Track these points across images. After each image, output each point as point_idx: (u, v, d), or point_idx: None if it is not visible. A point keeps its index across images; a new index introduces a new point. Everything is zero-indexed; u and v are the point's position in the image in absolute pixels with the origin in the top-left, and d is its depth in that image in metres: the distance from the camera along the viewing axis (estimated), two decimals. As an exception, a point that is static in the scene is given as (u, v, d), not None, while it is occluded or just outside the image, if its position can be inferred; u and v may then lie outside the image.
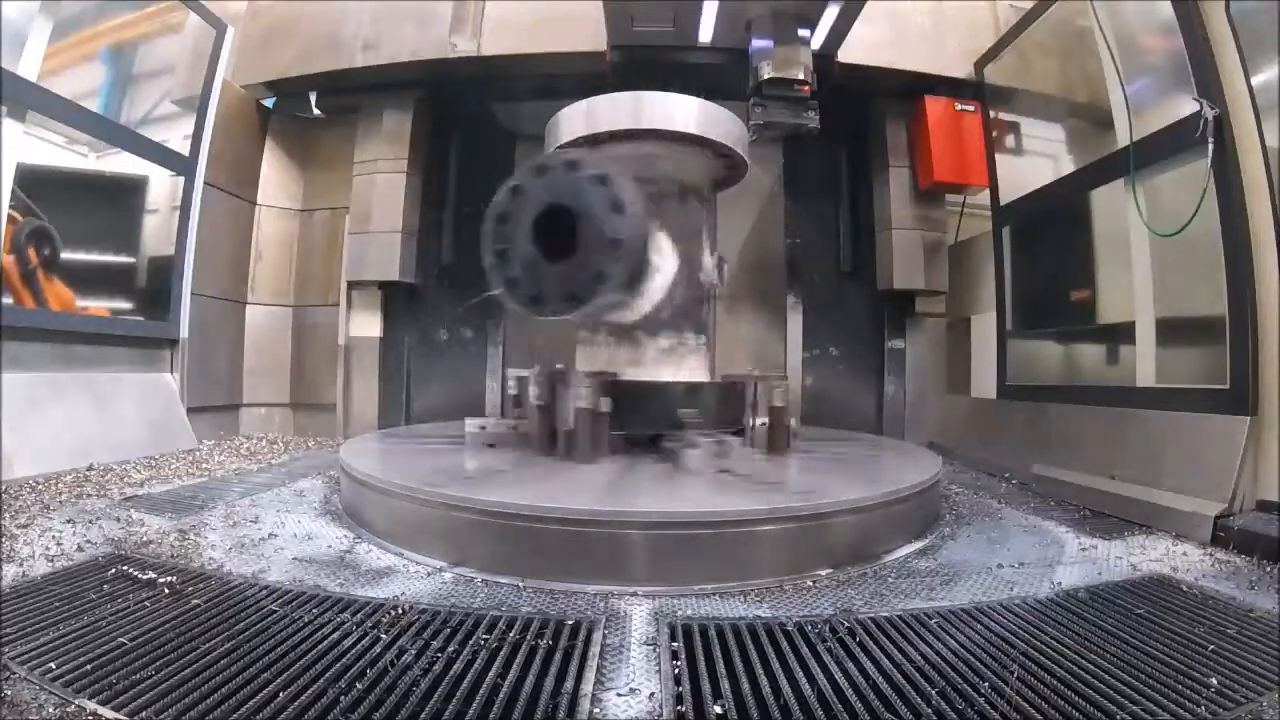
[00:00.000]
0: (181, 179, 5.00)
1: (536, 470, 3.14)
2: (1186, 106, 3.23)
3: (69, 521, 2.80)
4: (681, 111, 3.69)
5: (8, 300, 3.86)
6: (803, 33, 4.34)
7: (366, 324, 5.91)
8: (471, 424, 3.82)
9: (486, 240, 2.84)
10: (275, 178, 6.14)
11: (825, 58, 4.82)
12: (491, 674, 1.58)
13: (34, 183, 4.00)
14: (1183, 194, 3.25)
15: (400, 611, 1.93)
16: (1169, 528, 2.99)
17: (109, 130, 4.53)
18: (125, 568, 2.22)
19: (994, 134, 5.26)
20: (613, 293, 2.68)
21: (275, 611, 1.92)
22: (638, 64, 5.01)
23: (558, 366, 3.68)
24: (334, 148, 6.04)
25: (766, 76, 4.28)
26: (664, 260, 3.44)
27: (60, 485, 3.44)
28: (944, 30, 5.43)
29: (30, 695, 1.45)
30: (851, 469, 3.42)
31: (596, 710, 1.48)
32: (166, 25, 5.04)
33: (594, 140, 3.76)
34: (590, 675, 1.61)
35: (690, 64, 5.00)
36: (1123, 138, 3.77)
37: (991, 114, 5.27)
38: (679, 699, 1.51)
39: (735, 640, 1.80)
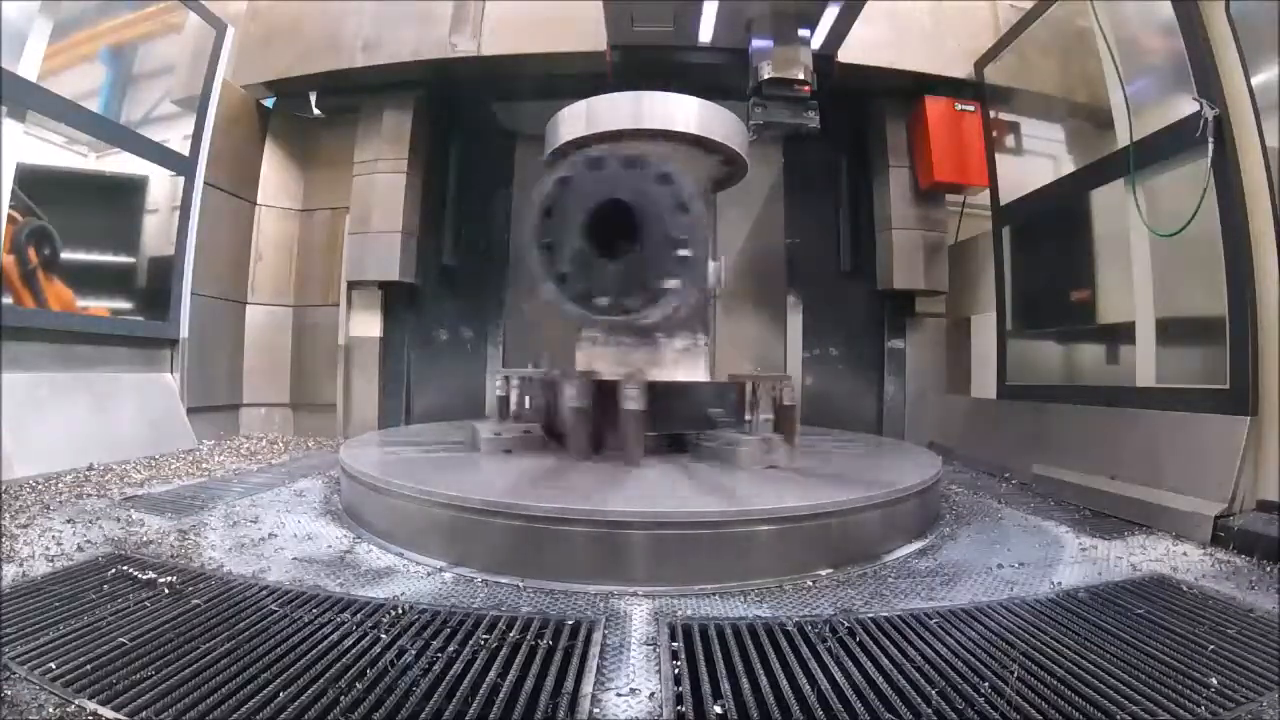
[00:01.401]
0: (181, 179, 5.01)
1: (596, 476, 2.95)
2: (1186, 106, 3.23)
3: (69, 521, 2.80)
4: (681, 111, 3.69)
5: (8, 300, 3.86)
6: (803, 33, 4.34)
7: (366, 324, 5.91)
8: (485, 430, 3.64)
9: (532, 232, 2.78)
10: (275, 178, 6.14)
11: (825, 58, 4.82)
12: (491, 674, 1.58)
13: (34, 183, 4.00)
14: (1183, 194, 3.25)
15: (400, 611, 1.93)
16: (1169, 528, 2.99)
17: (109, 130, 4.53)
18: (125, 568, 2.22)
19: (994, 134, 5.26)
20: (675, 293, 2.65)
21: (275, 611, 1.92)
22: (638, 64, 5.01)
23: (553, 370, 3.68)
24: (334, 148, 6.05)
25: (766, 76, 4.29)
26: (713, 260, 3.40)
27: (60, 485, 3.44)
28: (944, 30, 5.43)
29: (30, 695, 1.45)
30: (851, 469, 3.42)
31: (596, 710, 1.48)
32: (166, 25, 5.04)
33: (594, 140, 3.76)
34: (590, 675, 1.61)
35: (690, 64, 5.00)
36: (1123, 138, 3.78)
37: (991, 114, 5.27)
38: (679, 699, 1.51)
39: (735, 640, 1.80)
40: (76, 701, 1.42)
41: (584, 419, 3.15)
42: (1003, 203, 5.07)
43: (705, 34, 4.72)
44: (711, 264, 3.95)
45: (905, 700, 1.49)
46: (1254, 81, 3.03)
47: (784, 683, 1.57)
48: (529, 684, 1.54)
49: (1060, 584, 2.30)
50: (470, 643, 1.74)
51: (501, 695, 1.49)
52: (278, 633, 1.78)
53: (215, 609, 1.93)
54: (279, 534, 2.78)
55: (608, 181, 2.67)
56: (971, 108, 5.40)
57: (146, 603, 1.95)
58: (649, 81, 3.86)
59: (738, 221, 6.24)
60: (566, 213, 2.70)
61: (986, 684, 1.56)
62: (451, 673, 1.58)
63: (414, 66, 5.40)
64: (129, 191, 4.86)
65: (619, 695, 1.54)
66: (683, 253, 2.54)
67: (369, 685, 1.51)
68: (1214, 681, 1.58)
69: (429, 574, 2.35)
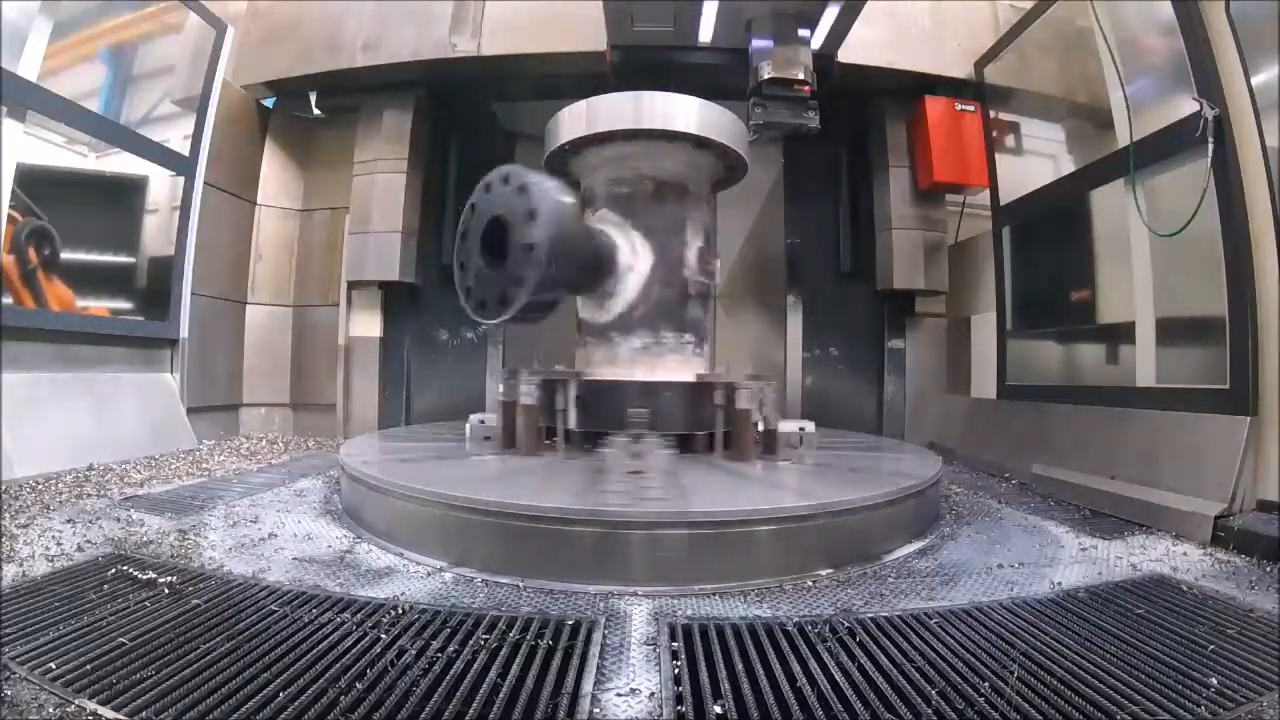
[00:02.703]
0: (181, 179, 5.01)
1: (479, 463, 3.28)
2: (1186, 106, 3.23)
3: (69, 521, 2.80)
4: (681, 111, 3.69)
5: (8, 300, 3.86)
6: (803, 33, 4.34)
7: (366, 324, 5.91)
8: (474, 418, 4.00)
9: (455, 254, 3.11)
10: (275, 178, 6.14)
11: (825, 58, 4.82)
12: (491, 674, 1.58)
13: (34, 183, 4.00)
14: (1183, 194, 3.25)
15: (400, 611, 1.93)
16: (1169, 528, 2.99)
17: (109, 130, 4.53)
18: (125, 568, 2.22)
19: (994, 134, 5.26)
20: (534, 294, 2.78)
21: (275, 611, 1.92)
22: (638, 64, 5.01)
23: (535, 366, 3.74)
24: (334, 148, 6.04)
25: (766, 76, 4.29)
26: (635, 260, 3.60)
27: (60, 485, 3.44)
28: (944, 30, 5.43)
29: (30, 695, 1.45)
30: (851, 469, 3.42)
31: (596, 710, 1.48)
32: (166, 25, 5.04)
33: (594, 140, 3.76)
34: (590, 675, 1.61)
35: (690, 64, 5.00)
36: (1123, 138, 3.78)
37: (991, 114, 5.27)
38: (679, 699, 1.51)
39: (735, 640, 1.80)
40: (76, 701, 1.42)
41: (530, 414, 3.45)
42: (1003, 203, 5.07)
43: (705, 34, 4.71)
44: (692, 257, 3.96)
45: (905, 700, 1.49)
46: (1254, 81, 3.04)
47: (784, 683, 1.57)
48: (529, 684, 1.54)
49: (1060, 584, 2.30)
50: (470, 643, 1.74)
51: (501, 695, 1.49)
52: (278, 633, 1.78)
53: (215, 609, 1.93)
54: (279, 534, 2.78)
55: (495, 200, 2.94)
56: (971, 108, 5.40)
57: (146, 603, 1.95)
58: (649, 81, 3.85)
59: (738, 221, 6.23)
60: (473, 234, 3.03)
61: (986, 684, 1.56)
62: (451, 673, 1.58)
63: (414, 66, 5.39)
64: (129, 191, 4.86)
65: (619, 695, 1.54)
66: (526, 254, 2.76)
67: (369, 685, 1.51)
68: (1214, 681, 1.58)
69: (429, 574, 2.35)
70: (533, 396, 3.45)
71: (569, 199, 2.99)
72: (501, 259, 2.82)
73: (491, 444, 3.79)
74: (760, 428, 3.52)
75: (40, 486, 3.38)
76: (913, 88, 5.47)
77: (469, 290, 3.02)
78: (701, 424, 3.58)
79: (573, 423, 3.52)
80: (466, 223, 3.05)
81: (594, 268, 3.46)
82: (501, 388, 3.79)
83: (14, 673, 1.53)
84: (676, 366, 3.79)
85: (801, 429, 3.76)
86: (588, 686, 1.55)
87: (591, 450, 3.47)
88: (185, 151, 5.02)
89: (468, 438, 3.92)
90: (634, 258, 3.62)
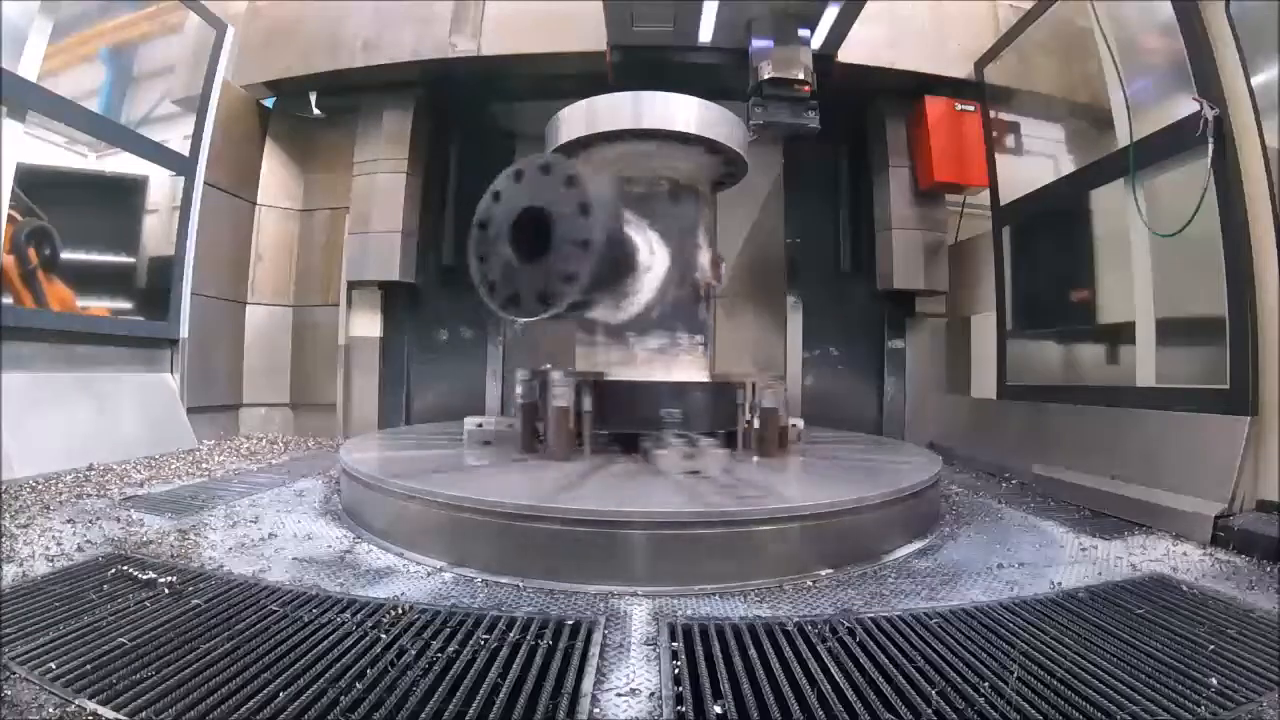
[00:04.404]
0: (181, 179, 5.01)
1: (511, 468, 3.24)
2: (1186, 106, 3.23)
3: (69, 521, 2.80)
4: (681, 111, 3.69)
5: (8, 300, 3.86)
6: (803, 33, 4.35)
7: (366, 324, 5.91)
8: (470, 422, 3.93)
9: (471, 245, 2.92)
10: (275, 178, 6.14)
11: (825, 58, 4.81)
12: (491, 674, 1.58)
13: (34, 183, 4.00)
14: (1183, 194, 3.25)
15: (400, 611, 1.93)
16: (1169, 528, 2.99)
17: (109, 130, 4.53)
18: (125, 568, 2.22)
19: (994, 134, 5.26)
20: (584, 292, 2.68)
21: (275, 611, 1.92)
22: (638, 64, 5.01)
23: (544, 367, 3.70)
24: (334, 148, 6.04)
25: (766, 76, 4.29)
26: (652, 260, 3.50)
27: (60, 485, 3.44)
28: (944, 30, 5.43)
29: (30, 695, 1.45)
30: (851, 469, 3.42)
31: (596, 710, 1.48)
32: (166, 25, 5.04)
33: (594, 140, 3.76)
34: (590, 675, 1.60)
35: (690, 64, 5.00)
36: (1123, 138, 3.78)
37: (991, 114, 5.27)
38: (679, 699, 1.51)
39: (735, 640, 1.80)
40: (76, 701, 1.42)
41: (563, 416, 3.33)
42: (1003, 203, 5.07)
43: (705, 34, 4.71)
44: (704, 259, 3.98)
45: (905, 700, 1.49)
46: (1254, 81, 3.04)
47: (784, 683, 1.57)
48: (529, 684, 1.54)
49: (1060, 584, 2.30)
50: (470, 643, 1.74)
51: (501, 695, 1.49)
52: (278, 633, 1.78)
53: (215, 609, 1.93)
54: (279, 534, 2.78)
55: (528, 190, 2.77)
56: (971, 108, 5.40)
57: (146, 603, 1.95)
58: (649, 81, 3.85)
59: (738, 221, 6.24)
60: (499, 224, 2.82)
61: (986, 684, 1.56)
62: (451, 673, 1.58)
63: (414, 66, 5.40)
64: (129, 191, 4.86)
65: (619, 695, 1.54)
66: (582, 250, 2.60)
67: (369, 685, 1.51)
68: (1214, 681, 1.58)
69: (429, 574, 2.35)
70: (567, 398, 3.32)
71: (615, 193, 2.89)
72: (537, 253, 2.67)
73: (489, 444, 3.77)
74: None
75: (40, 486, 3.38)
76: (913, 88, 5.47)
77: (493, 285, 2.82)
78: (721, 423, 3.62)
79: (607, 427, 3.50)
80: (487, 212, 2.84)
81: (628, 267, 3.32)
82: (521, 389, 3.69)
83: (14, 673, 1.53)
84: (689, 366, 3.81)
85: (794, 424, 3.85)
86: (588, 686, 1.55)
87: (622, 452, 3.50)
88: (185, 151, 5.02)
89: (465, 442, 3.85)
90: (651, 258, 3.54)
